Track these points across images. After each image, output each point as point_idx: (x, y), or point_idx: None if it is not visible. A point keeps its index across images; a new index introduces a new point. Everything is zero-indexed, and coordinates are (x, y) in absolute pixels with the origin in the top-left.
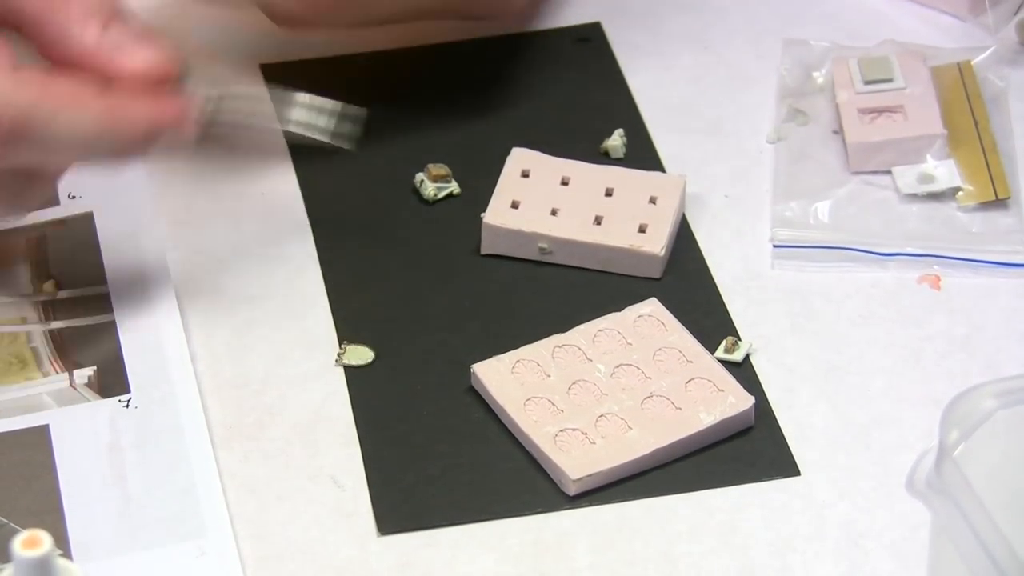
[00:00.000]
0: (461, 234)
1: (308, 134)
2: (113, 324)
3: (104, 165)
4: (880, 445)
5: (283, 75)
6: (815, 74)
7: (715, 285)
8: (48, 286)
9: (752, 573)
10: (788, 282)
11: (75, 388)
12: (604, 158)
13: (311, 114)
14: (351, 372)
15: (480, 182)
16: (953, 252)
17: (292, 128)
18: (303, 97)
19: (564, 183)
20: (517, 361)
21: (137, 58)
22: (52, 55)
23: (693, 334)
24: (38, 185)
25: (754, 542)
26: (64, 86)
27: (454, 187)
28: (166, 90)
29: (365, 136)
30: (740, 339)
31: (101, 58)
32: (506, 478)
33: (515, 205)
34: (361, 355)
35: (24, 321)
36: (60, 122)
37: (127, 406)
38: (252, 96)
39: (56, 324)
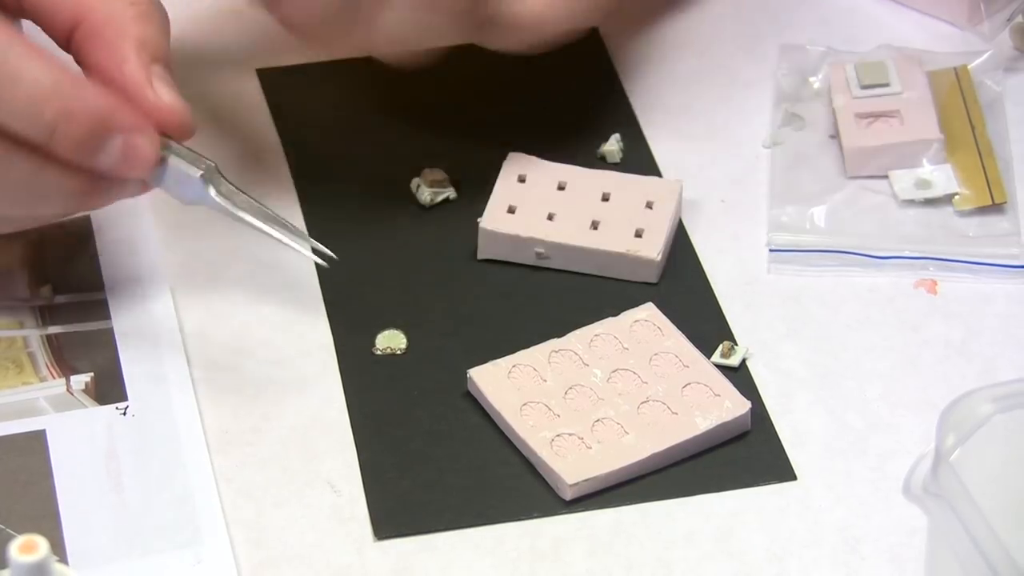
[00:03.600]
0: (458, 239)
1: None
2: (111, 331)
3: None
4: (877, 450)
5: (280, 80)
6: (812, 79)
7: (712, 290)
8: (45, 290)
9: None
10: (785, 287)
11: (72, 393)
12: (601, 163)
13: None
14: (347, 377)
15: (476, 187)
16: (950, 256)
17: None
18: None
19: (561, 188)
20: (513, 366)
21: (164, 95)
22: (85, 62)
23: (689, 339)
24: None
25: (751, 547)
26: (31, 43)
27: (450, 192)
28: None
29: (363, 143)
30: (736, 344)
31: (131, 81)
32: (502, 483)
33: (512, 210)
34: (395, 340)
35: (21, 326)
36: (10, 61)
37: (124, 414)
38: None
39: (53, 329)
